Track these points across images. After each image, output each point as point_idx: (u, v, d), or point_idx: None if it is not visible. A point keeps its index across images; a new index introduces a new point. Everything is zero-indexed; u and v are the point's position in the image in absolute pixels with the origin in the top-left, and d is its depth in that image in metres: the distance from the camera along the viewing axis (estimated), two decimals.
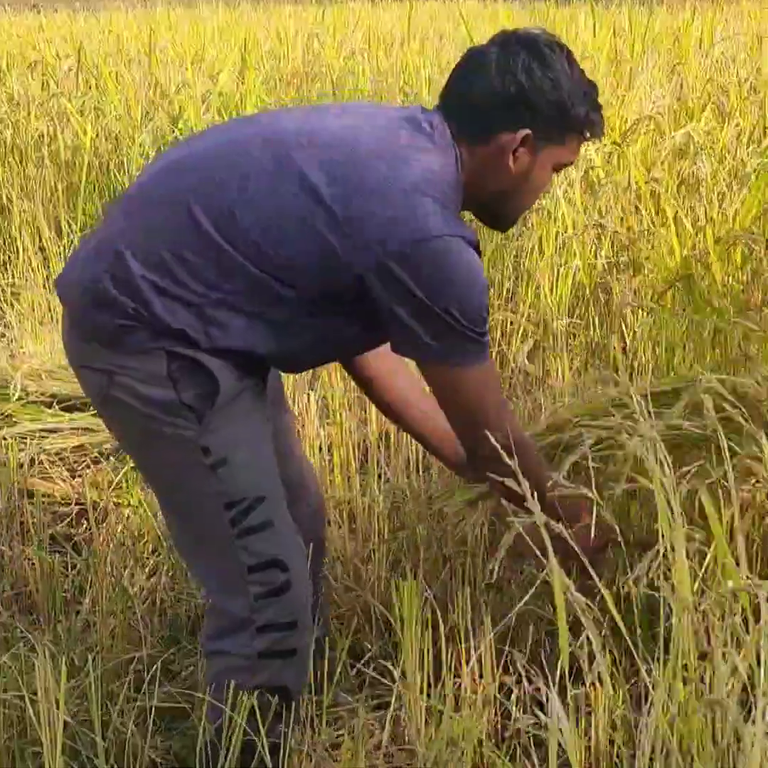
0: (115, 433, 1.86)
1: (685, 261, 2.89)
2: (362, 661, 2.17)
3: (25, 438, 3.01)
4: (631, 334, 3.06)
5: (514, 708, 1.95)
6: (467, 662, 1.91)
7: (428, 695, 1.83)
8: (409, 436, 2.84)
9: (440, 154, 1.68)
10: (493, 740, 1.93)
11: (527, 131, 1.70)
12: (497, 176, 1.73)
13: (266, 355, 1.70)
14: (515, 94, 1.68)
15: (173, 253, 1.63)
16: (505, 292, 3.65)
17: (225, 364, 1.67)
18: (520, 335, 3.38)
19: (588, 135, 1.77)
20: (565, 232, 3.37)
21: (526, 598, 1.86)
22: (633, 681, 1.87)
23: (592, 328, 3.26)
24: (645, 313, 2.92)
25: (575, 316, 3.31)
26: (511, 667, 2.06)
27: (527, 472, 1.57)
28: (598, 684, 1.83)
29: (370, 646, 2.24)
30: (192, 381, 1.66)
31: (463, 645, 1.96)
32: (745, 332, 2.31)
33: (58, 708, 1.57)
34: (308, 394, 2.95)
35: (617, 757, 1.77)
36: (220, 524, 1.70)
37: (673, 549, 1.49)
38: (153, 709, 1.85)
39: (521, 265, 3.60)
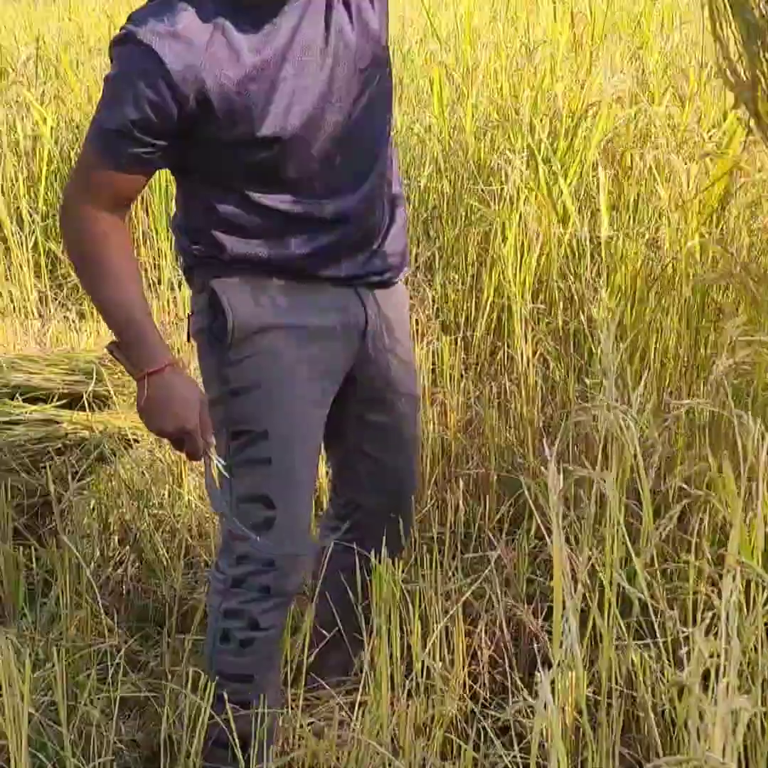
0: None
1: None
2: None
3: None
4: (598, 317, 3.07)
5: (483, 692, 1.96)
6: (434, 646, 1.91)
7: (393, 682, 1.83)
8: None
9: None
10: (463, 724, 1.94)
11: None
12: None
13: (262, 255, 1.78)
14: None
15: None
16: (469, 279, 3.65)
17: (241, 298, 1.78)
18: (484, 321, 3.39)
19: None
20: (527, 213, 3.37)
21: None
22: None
23: (556, 314, 3.27)
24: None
25: (539, 301, 3.32)
26: (478, 652, 2.08)
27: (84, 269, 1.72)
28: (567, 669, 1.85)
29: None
30: (219, 314, 1.79)
31: (433, 630, 1.96)
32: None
33: (22, 700, 1.56)
34: None
35: (583, 737, 1.78)
36: (226, 448, 1.80)
37: None
38: (119, 699, 1.85)
39: (485, 252, 3.61)
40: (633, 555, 1.60)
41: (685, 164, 3.00)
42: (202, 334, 1.84)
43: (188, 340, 1.90)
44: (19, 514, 2.75)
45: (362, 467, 2.01)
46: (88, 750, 1.82)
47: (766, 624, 1.43)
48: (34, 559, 2.58)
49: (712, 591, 1.38)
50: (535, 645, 2.12)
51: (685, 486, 1.84)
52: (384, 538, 1.94)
